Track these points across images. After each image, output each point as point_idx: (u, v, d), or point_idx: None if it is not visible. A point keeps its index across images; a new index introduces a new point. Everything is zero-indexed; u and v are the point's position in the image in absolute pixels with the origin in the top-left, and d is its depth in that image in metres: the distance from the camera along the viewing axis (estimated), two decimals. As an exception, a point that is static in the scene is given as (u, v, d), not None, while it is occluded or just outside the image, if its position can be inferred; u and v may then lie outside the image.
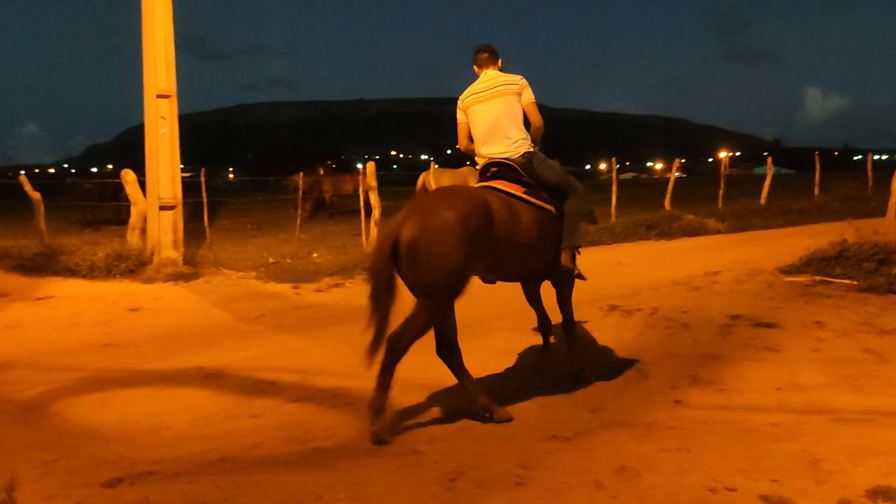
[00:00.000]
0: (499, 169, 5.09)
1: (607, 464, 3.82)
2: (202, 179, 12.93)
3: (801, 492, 3.41)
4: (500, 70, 5.37)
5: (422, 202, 4.55)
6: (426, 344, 6.62)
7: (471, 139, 5.36)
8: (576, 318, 5.81)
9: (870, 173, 23.78)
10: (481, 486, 3.60)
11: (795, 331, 6.66)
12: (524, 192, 4.96)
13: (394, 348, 4.42)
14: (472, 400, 4.73)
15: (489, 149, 5.17)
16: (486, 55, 5.37)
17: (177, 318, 8.25)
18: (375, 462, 3.94)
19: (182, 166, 11.70)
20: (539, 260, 5.12)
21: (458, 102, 5.38)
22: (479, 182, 5.17)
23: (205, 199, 12.73)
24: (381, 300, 4.35)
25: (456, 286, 4.51)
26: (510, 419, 4.61)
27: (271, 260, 12.02)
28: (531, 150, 5.17)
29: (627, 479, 3.63)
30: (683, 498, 3.42)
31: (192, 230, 13.53)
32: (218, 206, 22.80)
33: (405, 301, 4.54)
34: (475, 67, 5.43)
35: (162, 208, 10.76)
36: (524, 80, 5.25)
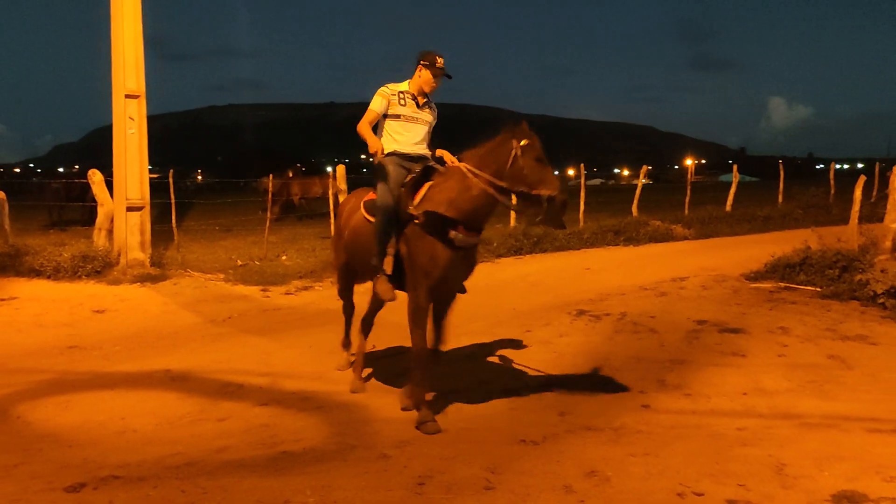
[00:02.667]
0: None
1: (576, 468, 3.84)
2: (170, 180, 12.75)
3: (768, 497, 3.45)
4: (429, 81, 5.15)
5: None
6: (394, 348, 6.62)
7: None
8: (542, 322, 5.83)
9: (832, 182, 24.22)
10: (450, 490, 3.59)
11: (761, 336, 6.75)
12: (364, 202, 5.26)
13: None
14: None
15: None
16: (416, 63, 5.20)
17: (143, 320, 8.13)
18: (343, 466, 3.91)
19: (150, 167, 11.53)
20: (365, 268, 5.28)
21: (389, 91, 5.23)
22: None
23: (173, 201, 12.55)
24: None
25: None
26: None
27: (240, 262, 11.90)
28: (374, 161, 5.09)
29: (596, 484, 3.65)
30: (651, 502, 3.45)
31: (160, 232, 13.32)
32: (186, 207, 22.49)
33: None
34: None
35: (129, 209, 10.60)
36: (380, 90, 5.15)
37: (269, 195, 14.59)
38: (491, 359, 6.26)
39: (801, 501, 3.39)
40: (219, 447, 4.24)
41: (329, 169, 15.77)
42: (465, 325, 7.53)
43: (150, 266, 10.58)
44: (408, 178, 4.94)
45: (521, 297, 9.21)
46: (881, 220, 10.88)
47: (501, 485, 3.65)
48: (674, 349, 6.41)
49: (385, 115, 5.12)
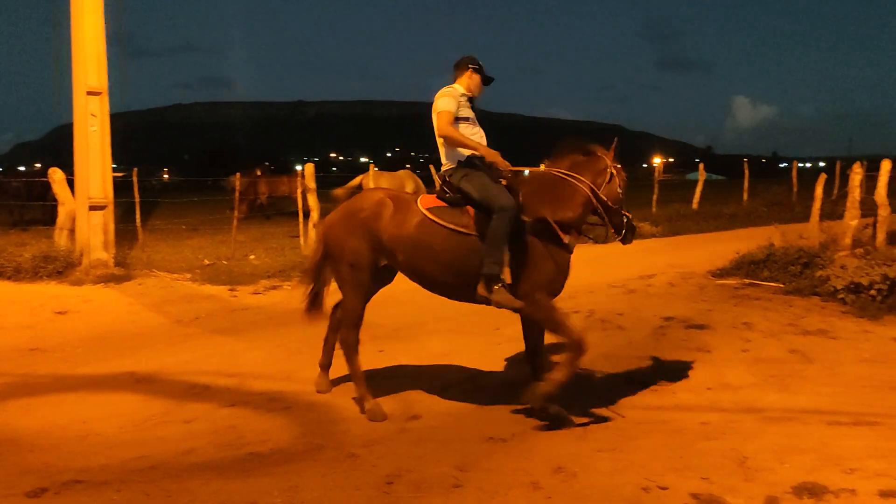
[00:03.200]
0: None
1: (544, 464, 3.87)
2: (135, 179, 12.57)
3: (731, 489, 3.51)
4: (478, 84, 5.15)
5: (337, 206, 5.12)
6: (362, 346, 6.59)
7: None
8: (511, 320, 5.81)
9: (794, 180, 24.67)
10: (419, 488, 3.59)
11: (725, 332, 6.86)
12: (429, 209, 4.81)
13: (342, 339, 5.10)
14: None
15: None
16: (456, 67, 5.16)
17: (107, 321, 7.99)
18: (311, 466, 3.89)
19: (114, 166, 11.33)
20: (446, 278, 4.85)
21: (456, 93, 5.10)
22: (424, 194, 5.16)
23: (137, 199, 12.38)
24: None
25: (350, 276, 4.90)
26: (383, 418, 4.70)
27: (207, 262, 11.76)
28: (452, 165, 4.93)
29: (563, 480, 3.68)
30: (618, 497, 3.48)
31: (125, 231, 13.13)
32: (152, 206, 22.17)
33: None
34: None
35: (92, 208, 10.41)
36: (440, 91, 5.02)
37: (237, 194, 14.46)
38: (460, 357, 6.27)
39: (763, 493, 3.45)
40: (184, 449, 4.20)
41: (298, 167, 15.65)
42: (434, 324, 7.55)
43: (114, 266, 10.40)
44: (504, 183, 4.82)
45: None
46: (841, 217, 11.12)
47: (469, 482, 3.66)
48: (641, 346, 6.49)
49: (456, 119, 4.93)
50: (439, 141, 4.99)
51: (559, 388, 4.46)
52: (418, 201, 4.90)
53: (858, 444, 4.02)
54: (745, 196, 23.58)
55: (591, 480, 3.67)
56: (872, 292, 7.59)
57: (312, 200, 12.62)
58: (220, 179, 23.41)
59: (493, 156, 4.88)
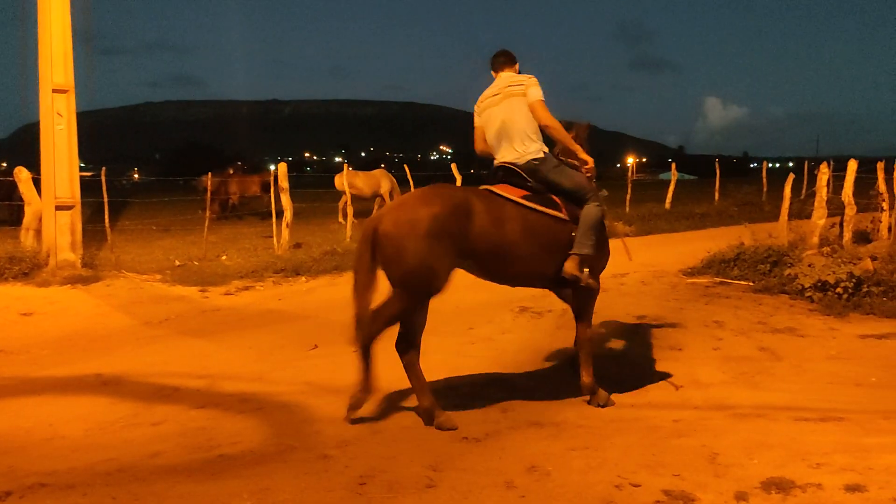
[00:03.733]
0: (504, 174, 5.02)
1: (518, 463, 3.87)
2: (103, 178, 12.36)
3: (701, 485, 3.54)
4: (518, 73, 5.21)
5: (402, 199, 4.78)
6: (333, 348, 6.56)
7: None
8: (485, 320, 5.84)
9: (764, 180, 25.03)
10: (392, 489, 3.57)
11: (696, 330, 6.93)
12: (522, 198, 4.80)
13: (365, 332, 4.61)
14: (418, 402, 4.71)
15: (499, 155, 5.09)
16: (501, 58, 5.24)
17: (74, 322, 7.86)
18: (283, 468, 3.85)
19: (83, 165, 11.16)
20: (540, 265, 4.88)
21: (475, 106, 5.27)
22: (484, 186, 5.04)
23: (105, 199, 12.16)
24: (360, 287, 4.64)
25: (427, 280, 4.52)
26: (453, 427, 4.46)
27: (178, 262, 11.62)
28: (540, 155, 4.96)
29: (537, 479, 3.68)
30: (591, 495, 3.49)
31: (93, 232, 12.92)
32: (121, 206, 21.86)
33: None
34: (492, 72, 5.29)
35: (58, 208, 10.24)
36: (532, 79, 5.02)
37: (209, 194, 14.31)
38: (433, 357, 6.25)
39: (733, 489, 3.48)
40: (152, 452, 4.13)
41: (272, 167, 15.52)
42: (407, 324, 7.52)
43: (82, 267, 10.24)
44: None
45: (463, 294, 9.20)
46: (810, 216, 11.29)
47: (443, 482, 3.65)
48: (613, 344, 6.53)
49: None
50: (546, 129, 5.06)
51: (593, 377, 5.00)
52: (504, 194, 4.83)
53: (825, 440, 4.08)
54: (717, 196, 23.88)
55: (565, 479, 3.67)
56: (839, 290, 7.72)
57: (286, 200, 12.53)
58: (191, 179, 23.16)
59: (581, 152, 5.20)
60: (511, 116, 4.98)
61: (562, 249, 4.85)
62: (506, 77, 5.17)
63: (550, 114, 5.00)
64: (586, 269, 4.88)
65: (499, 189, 4.88)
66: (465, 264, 4.71)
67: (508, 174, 4.99)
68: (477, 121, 5.27)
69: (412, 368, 4.74)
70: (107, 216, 12.03)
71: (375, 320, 4.59)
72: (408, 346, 4.80)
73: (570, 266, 4.81)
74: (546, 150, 5.06)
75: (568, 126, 5.28)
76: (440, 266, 4.49)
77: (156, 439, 4.37)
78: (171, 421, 4.72)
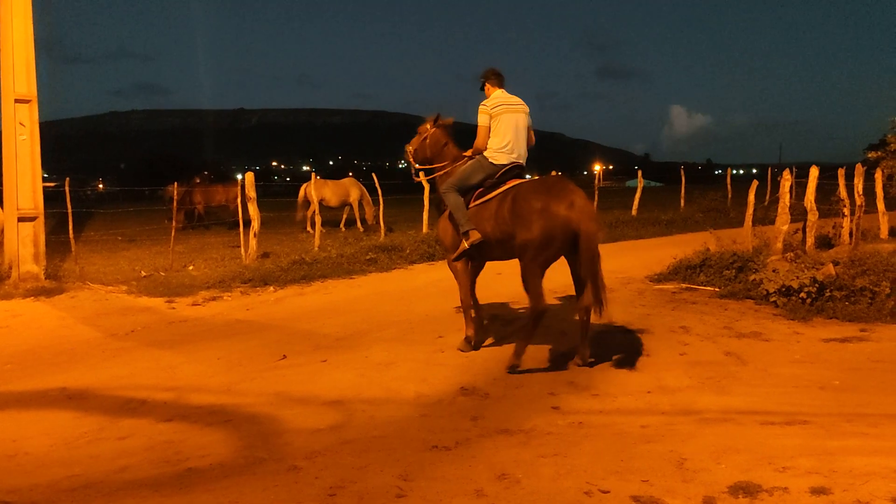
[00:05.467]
0: (516, 169, 6.27)
1: (488, 471, 3.87)
2: (66, 189, 12.16)
3: (669, 491, 3.57)
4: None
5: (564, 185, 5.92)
6: (302, 358, 6.53)
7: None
8: (455, 328, 5.85)
9: (729, 187, 25.42)
10: (362, 499, 3.56)
11: (663, 336, 7.01)
12: (563, 177, 6.09)
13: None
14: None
15: (514, 151, 6.25)
16: (500, 76, 6.44)
17: (37, 335, 7.71)
18: (252, 480, 3.81)
19: (46, 176, 10.97)
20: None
21: (487, 108, 6.29)
22: (499, 178, 6.24)
23: (69, 210, 11.97)
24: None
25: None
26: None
27: (144, 273, 11.47)
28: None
29: (507, 486, 3.69)
30: (561, 502, 3.51)
31: (57, 243, 12.71)
32: (86, 217, 21.55)
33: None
34: (487, 84, 6.46)
35: (21, 219, 10.07)
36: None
37: (175, 203, 14.16)
38: (404, 365, 6.24)
39: (700, 494, 3.53)
40: (119, 467, 4.07)
41: (239, 176, 15.38)
42: (376, 332, 7.51)
43: (45, 279, 10.07)
44: None
45: (433, 302, 9.25)
46: (773, 222, 11.50)
47: (413, 492, 3.64)
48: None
49: None
50: (531, 148, 6.58)
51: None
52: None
53: (790, 443, 4.15)
54: (682, 202, 24.20)
55: (535, 486, 3.69)
56: (802, 295, 7.86)
57: (253, 210, 12.44)
58: (157, 189, 22.88)
59: None
60: (524, 127, 6.36)
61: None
62: (510, 94, 6.39)
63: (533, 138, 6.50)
64: None
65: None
66: None
67: (515, 169, 6.26)
68: (486, 121, 6.28)
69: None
70: (70, 227, 11.84)
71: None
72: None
73: None
74: None
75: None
76: None
77: (122, 454, 4.31)
78: (137, 435, 4.65)
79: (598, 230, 5.74)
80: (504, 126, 6.24)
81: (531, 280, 5.86)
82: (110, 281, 10.78)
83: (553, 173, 6.81)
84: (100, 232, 17.99)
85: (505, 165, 6.25)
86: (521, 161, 6.32)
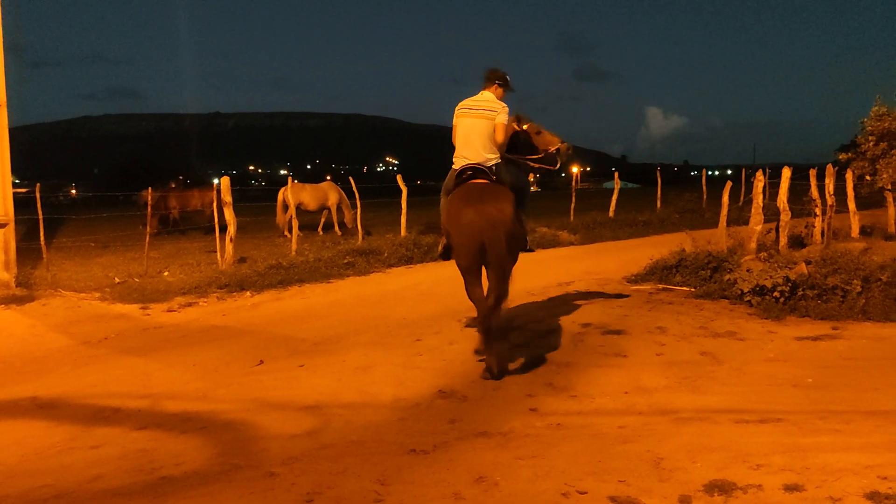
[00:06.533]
0: (473, 172, 6.14)
1: (466, 474, 3.87)
2: (37, 195, 11.99)
3: (646, 490, 3.59)
4: (501, 95, 6.42)
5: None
6: (279, 363, 6.49)
7: None
8: (433, 331, 5.85)
9: (704, 187, 25.68)
10: (339, 505, 3.53)
11: (640, 336, 7.05)
12: (488, 183, 6.10)
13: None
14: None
15: (465, 156, 6.24)
16: (487, 79, 6.43)
17: (8, 344, 7.58)
18: (228, 488, 3.77)
19: (17, 181, 10.84)
20: None
21: (456, 108, 6.41)
22: (456, 178, 6.23)
23: (41, 216, 11.81)
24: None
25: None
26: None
27: (117, 280, 11.32)
28: (497, 161, 6.26)
29: (485, 490, 3.68)
30: None
31: (28, 250, 12.52)
32: (59, 223, 21.25)
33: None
34: (483, 83, 6.47)
35: (-9, 226, 9.90)
36: (503, 107, 6.26)
37: (149, 209, 14.01)
38: (380, 369, 6.22)
39: (677, 493, 3.55)
40: (92, 476, 4.01)
41: (216, 181, 15.25)
42: (353, 337, 7.48)
43: (16, 287, 9.92)
44: None
45: (411, 306, 9.23)
46: (747, 222, 11.63)
47: (391, 496, 3.62)
48: (560, 352, 6.59)
49: None
50: (498, 146, 6.40)
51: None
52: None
53: (764, 441, 4.19)
54: (659, 203, 24.40)
55: (513, 488, 3.69)
56: (776, 294, 7.95)
57: (229, 214, 12.34)
58: (131, 194, 22.63)
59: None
60: (477, 132, 6.22)
61: None
62: (487, 98, 6.36)
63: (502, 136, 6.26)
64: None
65: (478, 181, 6.13)
66: None
67: (475, 171, 6.15)
68: (454, 121, 6.39)
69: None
70: (42, 233, 11.68)
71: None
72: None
73: None
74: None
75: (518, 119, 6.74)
76: None
77: (95, 463, 4.24)
78: (111, 443, 4.59)
79: (502, 238, 5.70)
80: (460, 130, 6.32)
81: (465, 286, 6.05)
82: (83, 288, 10.63)
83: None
84: (72, 238, 17.75)
85: (457, 170, 6.27)
86: (474, 163, 6.17)
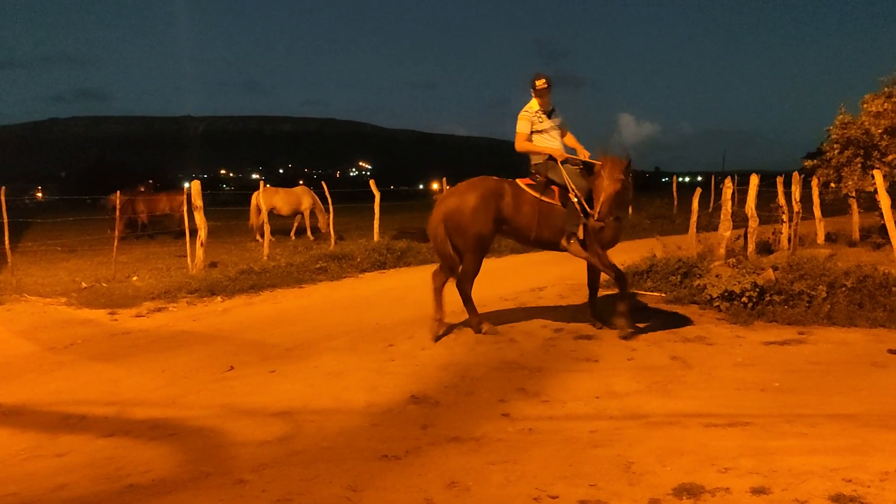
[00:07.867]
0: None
1: (438, 480, 3.86)
2: (2, 198, 11.76)
3: (616, 494, 3.62)
4: (534, 98, 7.49)
5: (455, 188, 7.44)
6: (250, 369, 6.43)
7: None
8: (405, 336, 5.84)
9: (675, 194, 25.98)
10: (310, 511, 3.51)
11: (612, 342, 7.10)
12: (527, 186, 7.39)
13: (461, 289, 7.48)
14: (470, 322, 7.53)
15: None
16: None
17: (-29, 350, 7.42)
18: (196, 495, 3.73)
19: (-21, 184, 10.59)
20: (546, 234, 7.35)
21: (529, 115, 7.44)
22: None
23: (5, 220, 11.59)
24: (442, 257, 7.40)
25: (481, 244, 7.27)
26: (495, 332, 7.41)
27: (84, 284, 11.15)
28: (539, 161, 7.46)
29: (457, 495, 3.69)
30: (509, 508, 3.52)
31: (-8, 254, 12.29)
32: (24, 227, 20.86)
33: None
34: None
35: (-46, 229, 9.70)
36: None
37: (117, 213, 13.83)
38: (352, 375, 6.19)
39: (646, 496, 3.58)
40: (57, 485, 3.94)
41: (186, 185, 15.08)
42: (326, 342, 7.44)
43: (-20, 291, 9.71)
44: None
45: (384, 311, 9.20)
46: (717, 228, 11.78)
47: (362, 502, 3.62)
48: (532, 357, 6.61)
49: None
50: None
51: (629, 312, 7.34)
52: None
53: (732, 444, 4.24)
54: (630, 209, 24.60)
55: (484, 493, 3.69)
56: (744, 299, 8.05)
57: (199, 218, 12.21)
58: (99, 198, 22.30)
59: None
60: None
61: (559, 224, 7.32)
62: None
63: (520, 142, 7.50)
64: (574, 244, 7.34)
65: (519, 181, 7.47)
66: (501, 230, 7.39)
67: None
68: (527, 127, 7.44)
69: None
70: (6, 237, 11.46)
71: (463, 280, 7.43)
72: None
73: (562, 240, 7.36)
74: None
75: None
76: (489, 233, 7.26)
77: (61, 471, 4.17)
78: (77, 451, 4.52)
79: (443, 230, 7.15)
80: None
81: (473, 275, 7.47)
82: (49, 293, 10.46)
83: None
84: (38, 242, 17.45)
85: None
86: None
